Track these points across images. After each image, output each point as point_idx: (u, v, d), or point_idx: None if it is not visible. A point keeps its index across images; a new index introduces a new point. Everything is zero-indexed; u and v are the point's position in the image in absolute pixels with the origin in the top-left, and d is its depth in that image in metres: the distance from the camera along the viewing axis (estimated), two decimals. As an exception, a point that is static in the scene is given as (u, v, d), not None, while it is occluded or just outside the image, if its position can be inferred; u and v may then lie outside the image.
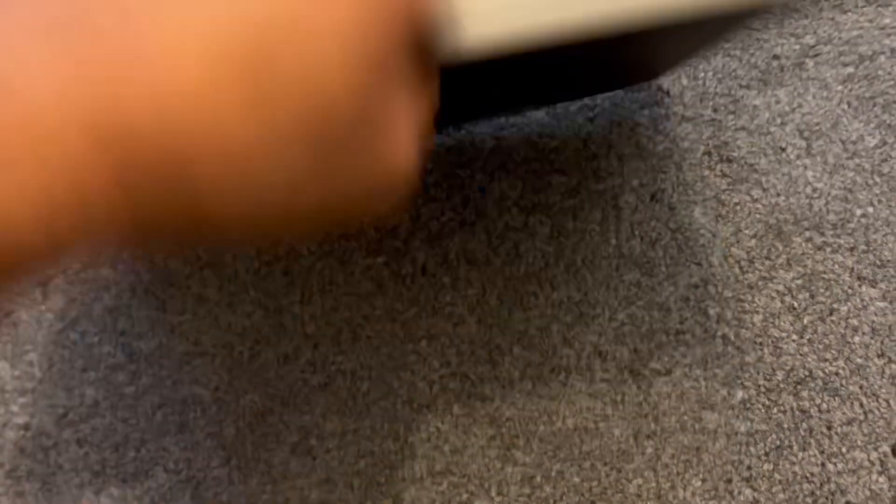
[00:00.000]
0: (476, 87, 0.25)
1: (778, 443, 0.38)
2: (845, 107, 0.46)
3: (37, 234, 0.15)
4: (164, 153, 0.15)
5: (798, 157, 0.45)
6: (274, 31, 0.16)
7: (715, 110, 0.46)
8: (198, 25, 0.15)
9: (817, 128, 0.45)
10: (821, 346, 0.40)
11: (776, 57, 0.47)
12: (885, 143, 0.45)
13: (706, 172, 0.44)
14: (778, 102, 0.46)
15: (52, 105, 0.15)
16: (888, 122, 0.45)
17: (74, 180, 0.15)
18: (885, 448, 0.38)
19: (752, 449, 0.38)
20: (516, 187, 0.43)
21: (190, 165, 0.16)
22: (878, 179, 0.44)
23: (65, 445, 0.39)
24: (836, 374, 0.39)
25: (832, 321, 0.41)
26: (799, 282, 0.41)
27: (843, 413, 0.39)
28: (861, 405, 0.39)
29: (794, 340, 0.40)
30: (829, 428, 0.38)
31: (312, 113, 0.16)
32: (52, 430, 0.37)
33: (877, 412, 0.39)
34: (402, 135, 0.18)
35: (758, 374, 0.39)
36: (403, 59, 0.18)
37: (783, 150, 0.45)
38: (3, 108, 0.14)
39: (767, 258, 0.42)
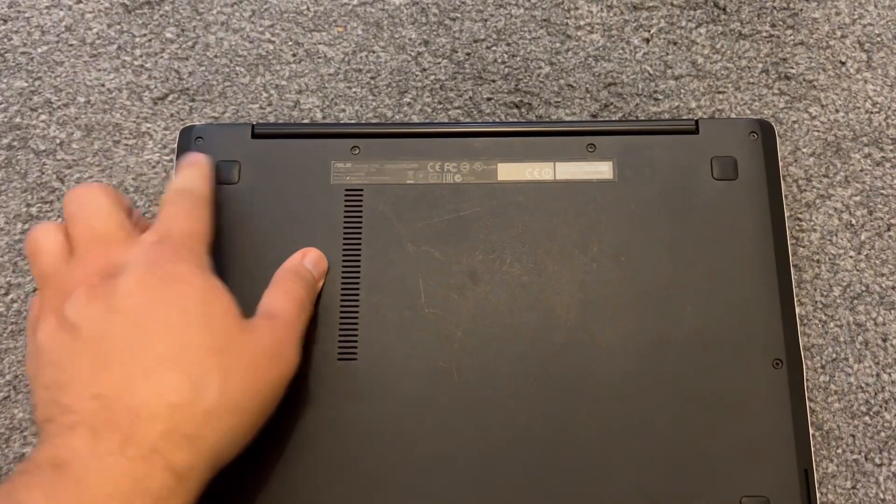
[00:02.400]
0: None
1: (834, 356, 0.40)
2: (908, 15, 0.45)
3: None
4: (182, 440, 0.29)
5: (858, 70, 0.44)
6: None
7: (773, 25, 0.45)
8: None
9: (879, 39, 0.45)
10: (878, 262, 0.41)
11: (837, -35, 0.46)
12: (948, 53, 0.44)
13: (764, 91, 0.44)
14: (838, 14, 0.45)
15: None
16: (953, 29, 0.45)
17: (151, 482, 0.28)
18: (939, 358, 0.39)
19: (808, 362, 0.39)
20: (573, 114, 0.44)
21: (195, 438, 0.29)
22: (940, 91, 0.44)
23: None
24: (893, 287, 0.40)
25: (890, 236, 0.41)
26: (857, 198, 0.42)
27: (899, 325, 0.40)
28: (916, 317, 0.40)
29: (851, 257, 0.41)
30: (884, 340, 0.40)
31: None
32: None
33: (932, 324, 0.40)
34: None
35: (815, 290, 0.41)
36: None
37: (843, 64, 0.44)
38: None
39: (825, 176, 0.42)
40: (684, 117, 0.43)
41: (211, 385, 0.30)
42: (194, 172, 0.37)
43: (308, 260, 0.38)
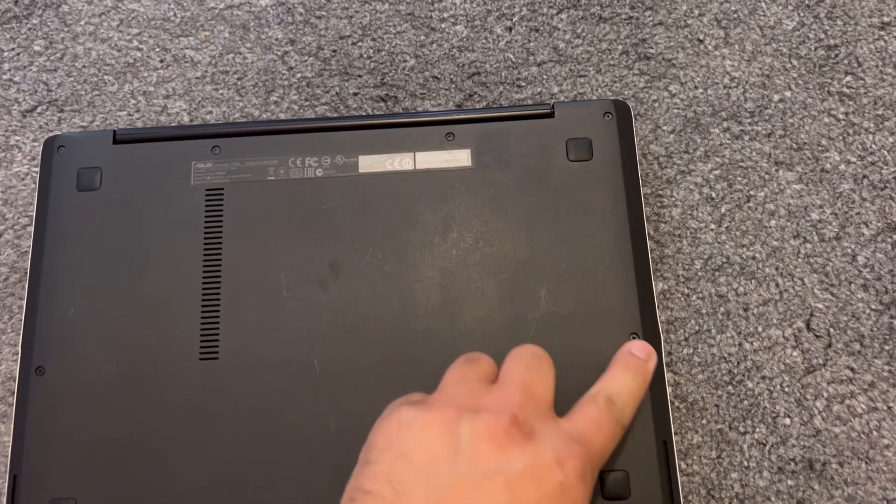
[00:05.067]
0: None
1: (697, 328, 0.40)
2: (764, -10, 0.46)
3: None
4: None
5: (716, 47, 0.45)
6: None
7: (632, 7, 0.46)
8: None
9: (735, 15, 0.45)
10: (738, 233, 0.41)
11: (694, -55, 0.47)
12: (803, 25, 0.45)
13: (624, 72, 0.45)
14: (696, -7, 0.46)
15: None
16: (806, 1, 0.45)
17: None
18: (800, 324, 0.40)
19: (672, 336, 0.40)
20: (439, 105, 0.44)
21: None
22: (795, 63, 0.44)
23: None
24: (753, 258, 0.41)
25: (749, 207, 0.42)
26: (717, 172, 0.42)
27: (760, 294, 0.40)
28: (777, 285, 0.40)
29: (711, 230, 0.41)
30: (745, 310, 0.40)
31: None
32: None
33: (792, 291, 0.40)
34: None
35: (677, 264, 0.41)
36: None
37: (701, 41, 0.45)
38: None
39: (686, 152, 0.43)
40: (543, 102, 0.44)
41: None
42: (634, 390, 0.35)
43: None
